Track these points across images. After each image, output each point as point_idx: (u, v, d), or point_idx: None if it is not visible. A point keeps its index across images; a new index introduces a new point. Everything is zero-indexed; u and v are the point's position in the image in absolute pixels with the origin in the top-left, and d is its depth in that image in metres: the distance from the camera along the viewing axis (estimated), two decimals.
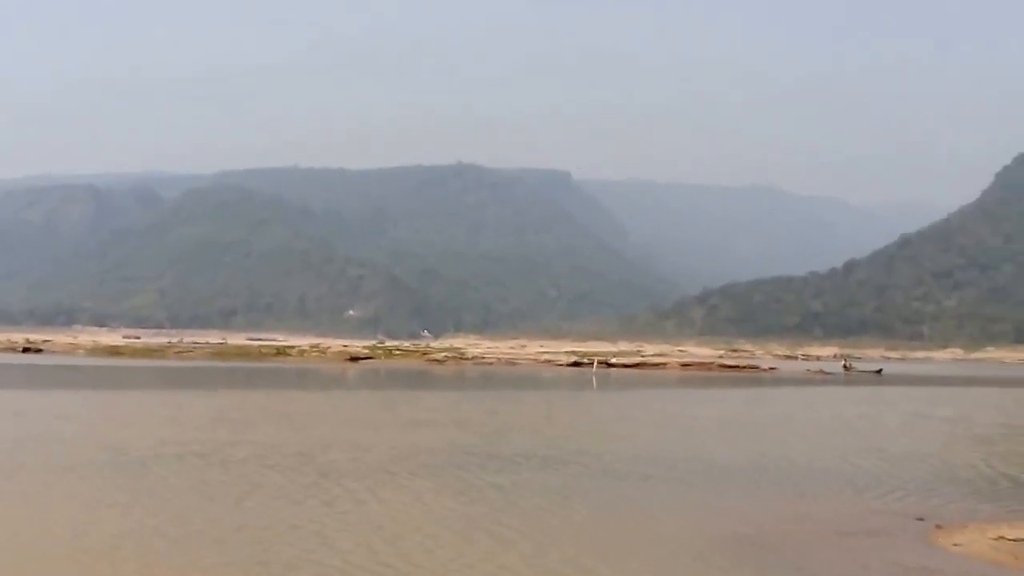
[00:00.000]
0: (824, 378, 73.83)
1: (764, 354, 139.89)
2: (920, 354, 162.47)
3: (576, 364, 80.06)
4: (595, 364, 78.07)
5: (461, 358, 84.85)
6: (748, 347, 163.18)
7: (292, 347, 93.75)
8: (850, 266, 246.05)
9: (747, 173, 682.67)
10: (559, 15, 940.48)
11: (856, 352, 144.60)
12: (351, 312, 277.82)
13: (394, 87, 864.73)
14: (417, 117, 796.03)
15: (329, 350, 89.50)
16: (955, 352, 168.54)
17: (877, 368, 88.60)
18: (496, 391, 45.89)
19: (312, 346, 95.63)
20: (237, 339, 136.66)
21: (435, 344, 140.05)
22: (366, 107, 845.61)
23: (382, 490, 16.43)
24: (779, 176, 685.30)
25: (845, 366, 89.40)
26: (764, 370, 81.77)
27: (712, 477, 18.88)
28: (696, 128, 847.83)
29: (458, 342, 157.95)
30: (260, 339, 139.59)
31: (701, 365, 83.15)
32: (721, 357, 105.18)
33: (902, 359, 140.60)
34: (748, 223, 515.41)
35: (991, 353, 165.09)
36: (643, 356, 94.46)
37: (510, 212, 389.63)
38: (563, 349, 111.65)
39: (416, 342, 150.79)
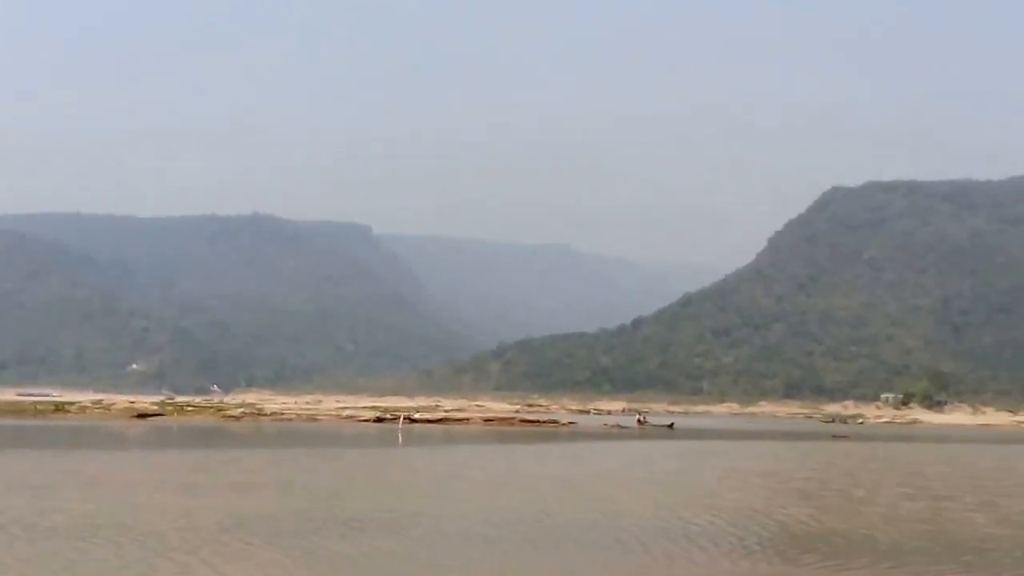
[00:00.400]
0: (621, 432, 76.56)
1: (558, 408, 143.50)
2: (700, 408, 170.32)
3: (380, 420, 79.71)
4: (401, 420, 77.97)
5: (259, 414, 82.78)
6: (543, 401, 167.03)
7: (72, 403, 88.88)
8: (637, 323, 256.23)
9: (543, 231, 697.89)
10: (358, 67, 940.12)
11: (642, 406, 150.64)
12: (134, 366, 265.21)
13: (190, 133, 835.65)
14: (213, 165, 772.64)
15: (114, 406, 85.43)
16: (732, 406, 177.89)
17: (669, 422, 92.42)
18: (308, 449, 45.04)
19: (94, 402, 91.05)
20: (6, 394, 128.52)
21: (227, 400, 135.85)
22: (158, 153, 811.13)
23: (236, 564, 15.48)
24: (573, 235, 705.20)
25: (640, 420, 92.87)
26: (564, 424, 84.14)
27: (561, 538, 18.72)
28: (495, 185, 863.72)
29: (250, 397, 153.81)
30: (32, 394, 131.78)
31: (503, 420, 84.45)
32: (518, 411, 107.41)
33: (685, 413, 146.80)
34: (544, 280, 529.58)
35: (764, 407, 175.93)
36: (445, 411, 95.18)
37: (308, 265, 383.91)
38: (360, 404, 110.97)
39: (206, 398, 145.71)
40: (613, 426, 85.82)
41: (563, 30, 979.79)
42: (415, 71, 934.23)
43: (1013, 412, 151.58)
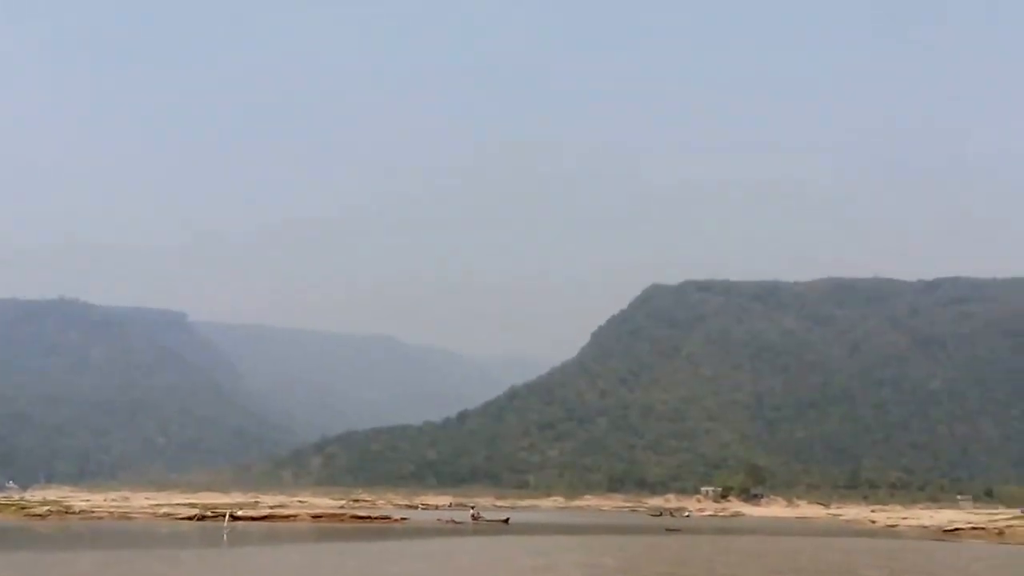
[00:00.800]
0: (456, 527, 74.62)
1: (384, 503, 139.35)
2: (527, 502, 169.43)
3: (201, 518, 74.87)
4: (227, 517, 73.45)
5: (66, 512, 76.46)
6: (367, 496, 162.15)
7: None
8: (463, 416, 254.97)
9: (367, 322, 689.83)
10: (176, 147, 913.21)
11: (468, 500, 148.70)
12: None
13: None
14: (14, 245, 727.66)
15: None
16: (557, 500, 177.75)
17: (504, 517, 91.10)
18: (138, 550, 41.30)
19: None
20: None
21: (26, 497, 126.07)
22: None
23: None
24: (398, 326, 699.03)
25: (474, 516, 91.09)
26: (396, 520, 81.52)
27: None
28: (316, 274, 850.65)
29: (51, 494, 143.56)
30: None
31: (332, 516, 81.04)
32: (344, 507, 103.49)
33: (512, 507, 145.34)
34: (368, 371, 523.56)
35: (589, 501, 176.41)
36: (269, 508, 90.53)
37: (117, 353, 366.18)
38: (174, 501, 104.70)
39: (3, 495, 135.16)
40: (447, 521, 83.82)
41: (389, 105, 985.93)
42: (236, 152, 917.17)
43: (825, 505, 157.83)
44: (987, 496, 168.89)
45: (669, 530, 77.62)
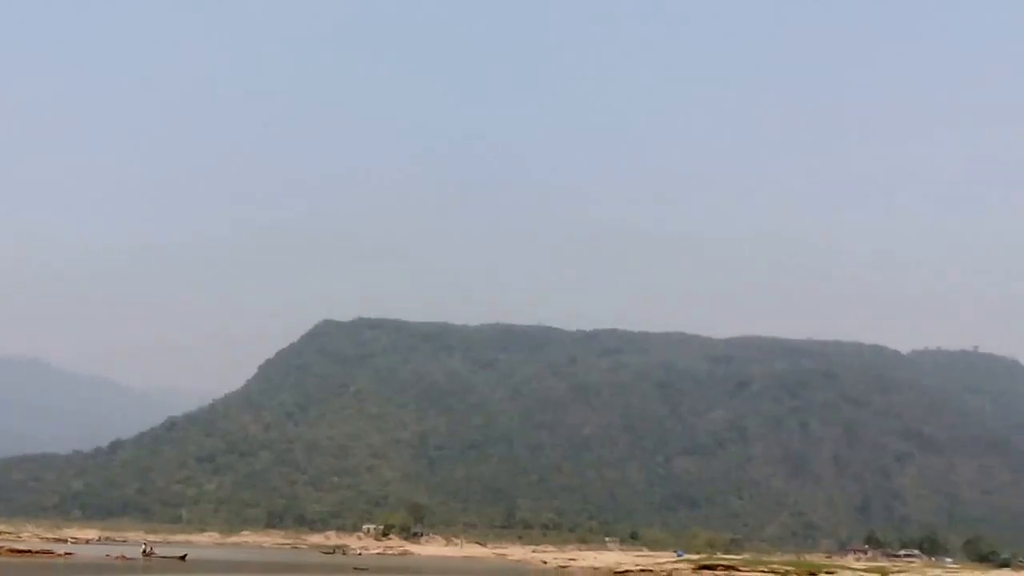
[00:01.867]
0: (128, 563, 70.65)
1: (29, 536, 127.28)
2: (180, 537, 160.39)
3: None
4: None
5: None
6: (6, 529, 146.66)
7: None
8: (116, 446, 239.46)
9: (10, 341, 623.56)
10: None
11: (117, 535, 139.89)
12: None
13: None
14: None
15: None
16: (213, 536, 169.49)
17: (182, 554, 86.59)
18: None
19: None
20: None
21: None
22: None
23: None
24: (47, 346, 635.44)
25: (145, 551, 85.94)
26: (61, 555, 75.55)
27: None
28: None
29: None
30: None
31: None
32: None
33: (164, 542, 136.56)
34: (10, 395, 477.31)
35: (247, 537, 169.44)
36: None
37: None
38: None
39: None
40: (118, 557, 78.70)
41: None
42: None
43: (482, 544, 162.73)
44: (632, 539, 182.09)
45: (357, 569, 77.33)
